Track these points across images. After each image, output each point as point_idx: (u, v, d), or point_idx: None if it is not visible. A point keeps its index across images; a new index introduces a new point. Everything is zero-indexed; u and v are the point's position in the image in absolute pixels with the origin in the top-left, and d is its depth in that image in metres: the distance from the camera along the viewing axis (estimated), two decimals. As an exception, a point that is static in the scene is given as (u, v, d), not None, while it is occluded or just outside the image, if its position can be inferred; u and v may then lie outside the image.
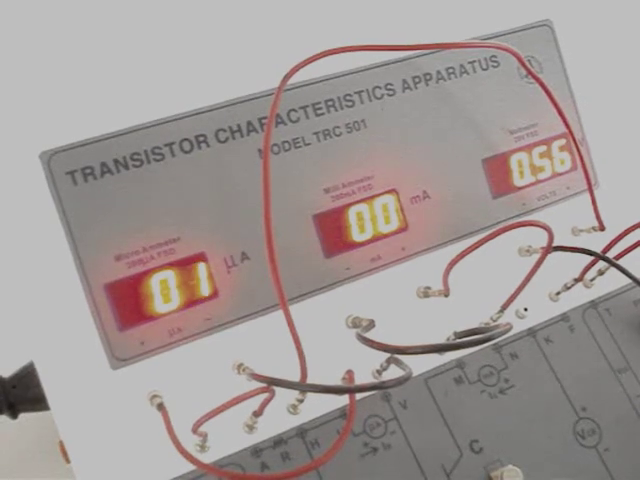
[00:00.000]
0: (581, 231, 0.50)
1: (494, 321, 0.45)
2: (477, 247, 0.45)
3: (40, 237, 0.39)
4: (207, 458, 0.40)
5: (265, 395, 0.39)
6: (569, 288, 0.49)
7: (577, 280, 0.48)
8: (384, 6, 0.47)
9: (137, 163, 0.41)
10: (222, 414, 0.38)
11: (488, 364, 0.46)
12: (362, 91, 0.46)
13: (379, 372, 0.43)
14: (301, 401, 0.41)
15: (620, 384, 0.48)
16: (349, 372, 0.43)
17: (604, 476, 0.45)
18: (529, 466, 0.44)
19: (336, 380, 0.43)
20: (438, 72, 0.48)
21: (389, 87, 0.46)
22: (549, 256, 0.44)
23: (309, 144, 0.44)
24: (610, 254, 0.47)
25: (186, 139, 0.42)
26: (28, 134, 0.39)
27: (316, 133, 0.44)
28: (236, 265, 0.42)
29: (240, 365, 0.41)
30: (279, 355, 0.39)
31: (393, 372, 0.41)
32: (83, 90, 0.40)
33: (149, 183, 0.41)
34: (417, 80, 0.47)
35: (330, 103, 0.45)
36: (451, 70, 0.48)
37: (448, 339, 0.45)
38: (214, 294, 0.41)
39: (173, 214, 0.41)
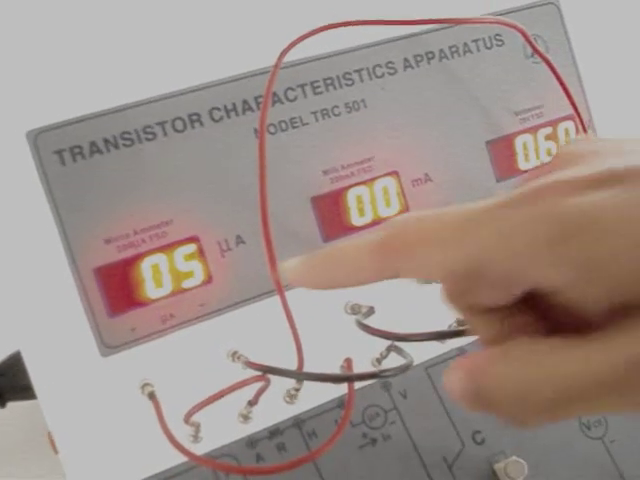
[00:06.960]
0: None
1: (498, 308, 0.45)
2: (481, 232, 0.44)
3: (27, 219, 0.38)
4: (200, 449, 0.39)
5: (260, 384, 0.39)
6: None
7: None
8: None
9: (128, 142, 0.40)
10: (216, 403, 0.38)
11: (491, 352, 0.46)
12: (362, 69, 0.45)
13: (379, 360, 0.43)
14: (298, 390, 0.41)
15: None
16: (348, 360, 0.42)
17: (610, 467, 0.45)
18: (534, 458, 0.44)
19: (334, 368, 0.42)
20: (441, 50, 0.47)
21: (390, 65, 0.46)
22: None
23: (307, 124, 0.44)
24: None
25: (179, 118, 0.41)
26: (14, 112, 0.38)
27: (314, 112, 0.44)
28: (231, 249, 0.42)
29: (235, 353, 0.41)
30: (275, 342, 0.39)
31: (393, 360, 0.40)
32: (72, 67, 0.40)
33: (140, 163, 0.40)
34: (419, 59, 0.46)
35: (329, 82, 0.44)
36: (454, 48, 0.47)
37: (450, 326, 0.44)
38: (208, 279, 0.41)
39: (165, 196, 0.40)
